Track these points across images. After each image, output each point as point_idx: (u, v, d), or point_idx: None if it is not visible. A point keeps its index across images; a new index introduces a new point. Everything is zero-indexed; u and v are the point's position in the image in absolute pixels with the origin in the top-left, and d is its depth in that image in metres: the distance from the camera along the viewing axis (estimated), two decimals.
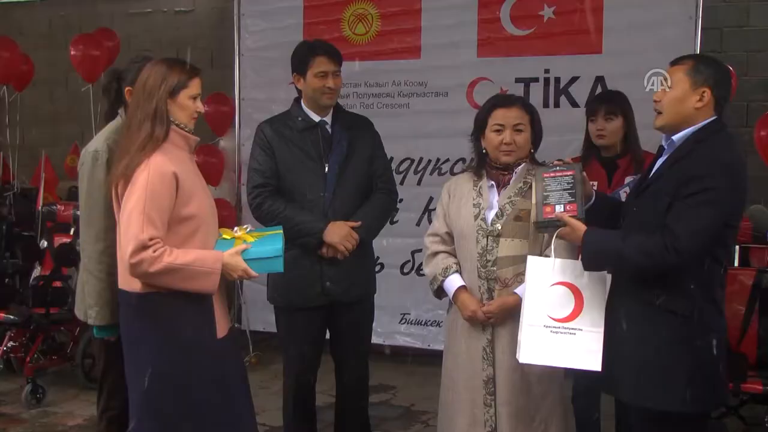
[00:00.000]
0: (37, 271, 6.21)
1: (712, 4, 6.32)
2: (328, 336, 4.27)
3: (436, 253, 3.65)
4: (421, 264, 5.17)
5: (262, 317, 6.48)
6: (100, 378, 3.80)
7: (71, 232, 6.24)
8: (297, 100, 4.19)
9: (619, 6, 5.80)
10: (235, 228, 3.38)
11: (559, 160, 3.31)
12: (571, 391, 4.22)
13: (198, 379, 3.18)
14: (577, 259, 3.12)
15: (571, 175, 3.17)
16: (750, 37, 7.31)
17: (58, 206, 6.52)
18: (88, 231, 3.53)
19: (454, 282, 3.55)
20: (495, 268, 3.45)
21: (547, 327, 3.08)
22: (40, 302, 5.73)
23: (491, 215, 3.48)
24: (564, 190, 3.16)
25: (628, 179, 4.14)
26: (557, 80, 5.97)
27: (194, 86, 3.25)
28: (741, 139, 6.07)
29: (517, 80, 6.02)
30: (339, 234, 3.97)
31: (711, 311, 3.01)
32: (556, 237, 3.12)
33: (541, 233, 3.33)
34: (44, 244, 6.28)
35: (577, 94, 5.92)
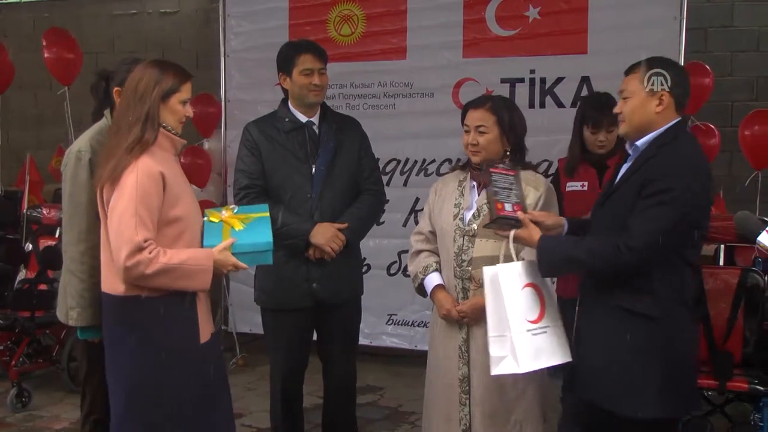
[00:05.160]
0: (22, 274, 6.17)
1: (696, 5, 6.37)
2: (315, 337, 4.26)
3: (419, 252, 3.69)
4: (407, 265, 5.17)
5: (248, 319, 6.47)
6: (83, 381, 3.78)
7: (56, 235, 6.21)
8: (284, 101, 4.18)
9: (604, 6, 5.82)
10: (222, 209, 3.37)
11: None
12: (560, 391, 4.23)
13: (179, 384, 3.16)
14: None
15: (513, 175, 3.22)
16: (734, 37, 7.36)
17: (43, 209, 6.48)
18: (70, 232, 3.52)
19: (432, 280, 3.60)
20: (470, 268, 3.48)
21: (529, 331, 3.06)
22: (25, 305, 5.69)
23: (469, 215, 3.52)
24: (510, 190, 3.18)
25: None
26: (543, 81, 5.99)
27: (185, 91, 3.24)
28: (725, 139, 6.12)
29: (503, 81, 6.03)
30: (325, 235, 3.97)
31: (682, 314, 3.00)
32: (513, 239, 3.13)
33: (494, 230, 3.27)
34: (29, 247, 6.25)
35: (562, 95, 5.93)
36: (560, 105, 5.94)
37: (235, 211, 3.36)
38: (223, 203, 6.67)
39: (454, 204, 3.57)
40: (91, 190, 3.35)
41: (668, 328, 2.96)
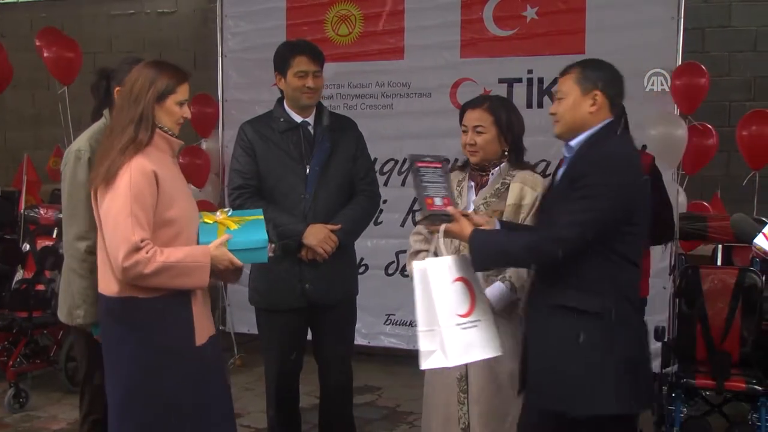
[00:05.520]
0: (19, 275, 6.16)
1: (694, 5, 6.37)
2: (311, 337, 4.26)
3: (417, 252, 3.67)
4: (405, 265, 5.17)
5: (246, 319, 6.44)
6: (82, 381, 3.78)
7: (54, 235, 6.21)
8: (280, 101, 4.17)
9: (602, 6, 5.82)
10: (217, 212, 3.37)
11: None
12: None
13: (174, 385, 3.14)
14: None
15: (440, 167, 3.19)
16: (732, 38, 7.37)
17: (41, 209, 6.47)
18: (70, 230, 3.52)
19: None
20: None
21: (458, 325, 3.04)
22: (22, 305, 5.69)
23: None
24: (438, 183, 3.16)
25: None
26: (540, 81, 5.99)
27: (182, 92, 3.21)
28: (723, 139, 6.12)
29: (500, 81, 6.03)
30: (317, 237, 3.96)
31: (626, 309, 2.99)
32: (443, 233, 3.10)
33: (427, 226, 3.24)
34: (26, 247, 6.24)
35: None
36: None
37: (230, 214, 3.36)
38: (221, 204, 6.66)
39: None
40: (90, 189, 3.36)
41: (611, 323, 2.95)
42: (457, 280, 3.06)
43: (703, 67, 5.64)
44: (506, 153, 3.56)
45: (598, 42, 5.78)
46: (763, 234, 3.45)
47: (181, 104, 3.21)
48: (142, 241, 2.99)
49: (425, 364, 3.02)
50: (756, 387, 4.41)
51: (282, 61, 4.07)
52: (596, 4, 5.84)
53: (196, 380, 3.19)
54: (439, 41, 6.23)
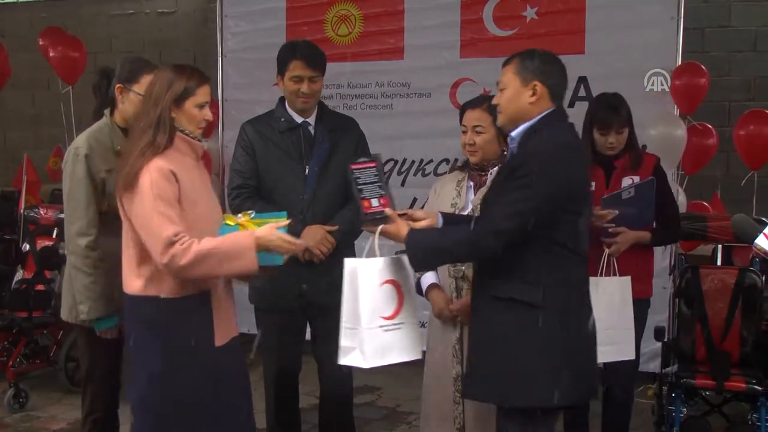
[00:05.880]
0: (19, 275, 6.17)
1: (693, 5, 6.37)
2: (310, 337, 4.26)
3: None
4: None
5: (248, 319, 6.43)
6: (84, 380, 3.80)
7: (54, 235, 6.21)
8: (281, 101, 4.17)
9: (602, 6, 5.82)
10: (240, 214, 3.36)
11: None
12: None
13: (191, 384, 3.16)
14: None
15: (374, 166, 3.19)
16: (732, 37, 7.37)
17: (41, 209, 6.47)
18: (71, 228, 3.55)
19: (427, 279, 3.63)
20: (464, 267, 3.49)
21: (381, 327, 3.06)
22: (22, 306, 5.69)
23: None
24: (373, 183, 3.17)
25: (626, 180, 4.12)
26: None
27: (201, 94, 3.22)
28: (723, 139, 6.13)
29: None
30: (314, 238, 3.95)
31: (566, 301, 2.98)
32: (379, 234, 3.10)
33: (368, 229, 3.22)
34: (26, 247, 6.24)
35: None
36: None
37: (252, 216, 3.35)
38: (221, 204, 6.66)
39: (451, 204, 3.59)
40: (89, 186, 3.46)
41: (551, 315, 2.94)
42: (387, 282, 3.08)
43: (703, 67, 5.64)
44: (505, 153, 3.57)
45: (598, 42, 5.79)
46: (764, 234, 3.45)
47: (200, 107, 3.22)
48: (175, 235, 3.00)
49: (343, 360, 3.06)
50: (756, 387, 4.41)
51: (281, 63, 4.07)
52: (596, 4, 5.83)
53: (215, 380, 3.21)
54: (439, 41, 6.23)
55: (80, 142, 3.57)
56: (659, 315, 5.29)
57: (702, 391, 4.71)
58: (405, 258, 3.11)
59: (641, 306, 4.05)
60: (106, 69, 3.70)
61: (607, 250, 3.92)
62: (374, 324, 3.03)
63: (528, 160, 2.94)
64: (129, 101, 3.57)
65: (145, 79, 3.45)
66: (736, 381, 4.45)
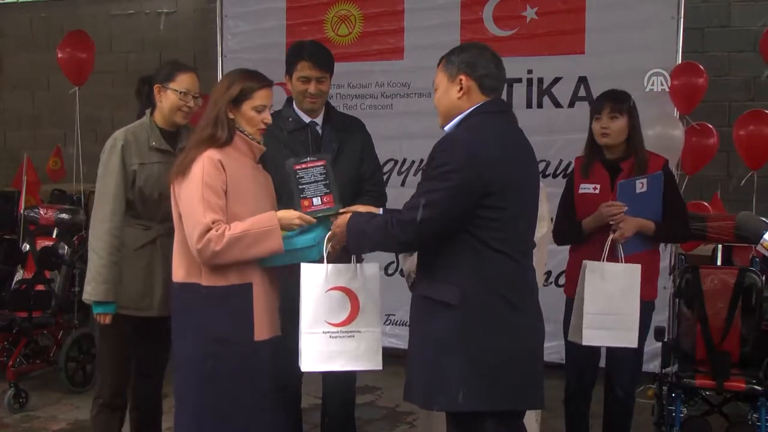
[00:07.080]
0: (19, 275, 6.16)
1: (693, 5, 6.38)
2: None
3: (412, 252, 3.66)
4: None
5: None
6: (98, 366, 3.95)
7: (54, 235, 6.21)
8: (289, 100, 4.17)
9: (602, 6, 5.83)
10: None
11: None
12: (563, 392, 4.23)
13: (229, 373, 3.21)
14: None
15: (322, 165, 3.25)
16: (731, 37, 7.37)
17: (40, 209, 6.47)
18: (96, 212, 3.70)
19: None
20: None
21: (326, 333, 3.08)
22: (22, 306, 5.69)
23: None
24: (318, 182, 3.22)
25: None
26: (540, 81, 6.00)
27: (259, 98, 3.32)
28: (723, 139, 6.12)
29: None
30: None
31: (490, 302, 2.88)
32: (327, 240, 3.13)
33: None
34: (26, 247, 6.24)
35: (560, 95, 5.94)
36: (558, 105, 5.95)
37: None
38: None
39: None
40: (120, 176, 3.62)
41: (472, 316, 2.86)
42: (335, 288, 3.11)
43: (701, 67, 5.64)
44: None
45: (597, 42, 5.79)
46: None
47: (258, 110, 3.32)
48: (213, 222, 3.11)
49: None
50: (756, 387, 4.40)
51: (289, 63, 4.07)
52: (596, 4, 5.84)
53: (252, 374, 3.25)
54: (439, 41, 6.18)
55: (119, 134, 3.73)
56: (659, 315, 5.26)
57: (702, 391, 4.70)
58: (368, 267, 3.16)
59: (646, 308, 4.01)
60: (146, 76, 3.88)
61: (611, 235, 3.90)
62: (317, 329, 3.08)
63: (436, 153, 2.92)
64: (166, 98, 3.73)
65: (181, 78, 3.72)
66: (736, 381, 4.45)
